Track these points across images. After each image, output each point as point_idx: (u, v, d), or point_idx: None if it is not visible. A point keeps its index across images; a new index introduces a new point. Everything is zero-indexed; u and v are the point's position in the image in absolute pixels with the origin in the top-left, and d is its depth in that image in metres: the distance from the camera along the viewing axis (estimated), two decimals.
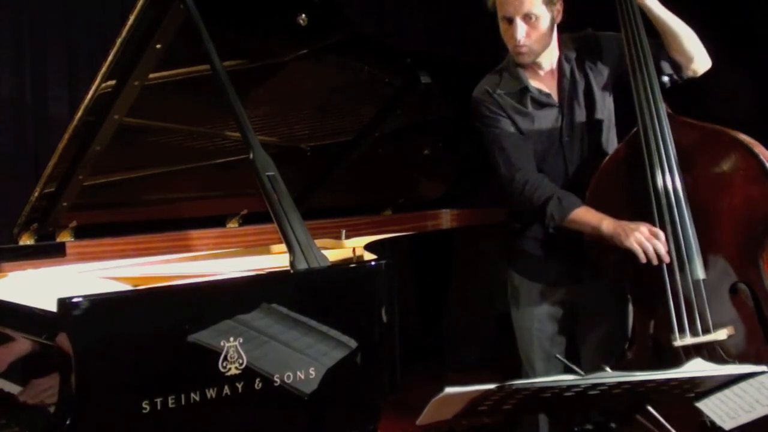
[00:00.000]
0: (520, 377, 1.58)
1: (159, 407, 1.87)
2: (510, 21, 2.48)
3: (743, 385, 1.71)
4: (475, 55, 4.96)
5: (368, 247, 2.75)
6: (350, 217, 3.63)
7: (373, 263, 2.43)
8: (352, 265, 2.66)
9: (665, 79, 2.52)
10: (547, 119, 2.60)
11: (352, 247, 3.05)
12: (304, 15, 2.58)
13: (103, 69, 2.31)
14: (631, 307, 2.71)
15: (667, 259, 2.35)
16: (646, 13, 2.46)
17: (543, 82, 2.62)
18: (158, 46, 2.35)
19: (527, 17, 2.46)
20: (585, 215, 2.47)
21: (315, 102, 3.14)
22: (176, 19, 2.29)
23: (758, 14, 3.79)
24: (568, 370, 1.88)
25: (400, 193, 3.93)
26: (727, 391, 1.73)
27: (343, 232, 3.43)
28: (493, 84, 2.62)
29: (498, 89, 2.60)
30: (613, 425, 1.81)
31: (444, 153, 3.82)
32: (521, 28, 2.47)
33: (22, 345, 2.04)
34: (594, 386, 1.60)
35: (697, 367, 1.70)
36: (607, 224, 2.42)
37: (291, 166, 2.96)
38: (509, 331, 2.85)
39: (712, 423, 1.76)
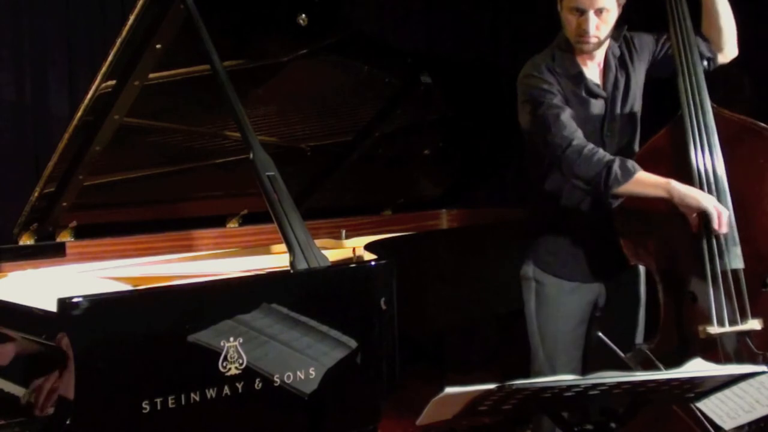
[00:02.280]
0: (519, 377, 1.58)
1: (159, 407, 1.87)
2: (581, 12, 2.50)
3: (743, 385, 1.71)
4: (475, 55, 4.97)
5: (368, 247, 2.75)
6: (350, 217, 3.63)
7: (372, 263, 2.43)
8: (352, 265, 2.66)
9: (704, 64, 2.55)
10: (594, 109, 2.62)
11: (352, 247, 3.06)
12: (304, 15, 2.59)
13: (103, 69, 2.31)
14: (642, 309, 2.71)
15: (726, 228, 2.35)
16: None
17: (591, 73, 2.64)
18: (158, 46, 2.35)
19: (600, 11, 2.48)
20: (649, 176, 2.42)
21: (315, 102, 3.13)
22: (176, 19, 2.29)
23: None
24: (610, 355, 1.87)
25: (400, 193, 3.93)
26: (727, 391, 1.73)
27: (343, 232, 3.43)
28: (549, 63, 2.63)
29: (556, 69, 2.61)
30: (613, 425, 1.81)
31: (444, 153, 3.82)
32: (593, 22, 2.49)
33: (22, 345, 2.04)
34: (594, 386, 1.60)
35: (697, 367, 1.70)
36: (675, 183, 2.38)
37: (291, 166, 2.96)
38: (509, 331, 2.83)
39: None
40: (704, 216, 2.36)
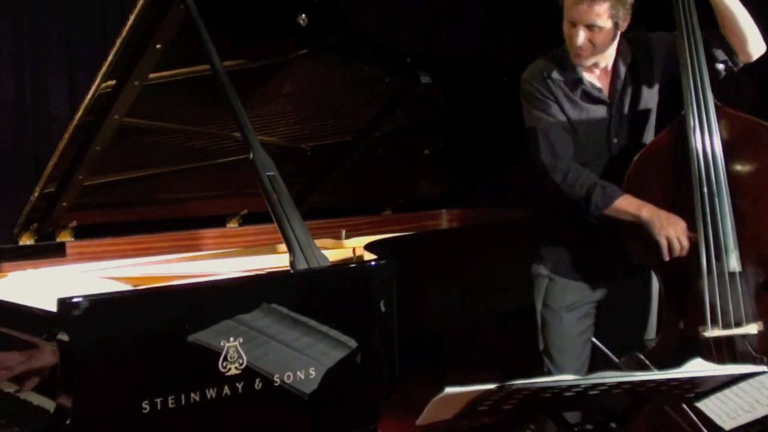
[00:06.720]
0: (519, 377, 1.58)
1: (159, 407, 1.87)
2: (574, 25, 2.51)
3: (743, 385, 1.71)
4: (475, 55, 4.97)
5: (368, 247, 2.75)
6: (350, 217, 3.64)
7: (372, 263, 2.43)
8: (352, 265, 2.66)
9: (720, 66, 2.53)
10: (595, 115, 2.63)
11: (352, 247, 3.06)
12: (304, 15, 2.59)
13: (103, 69, 2.31)
14: (654, 305, 2.72)
15: (684, 253, 2.38)
16: None
17: (596, 79, 2.64)
18: (158, 46, 2.34)
19: (590, 27, 2.49)
20: (627, 203, 2.48)
21: (315, 102, 3.14)
22: (176, 19, 2.29)
23: None
24: (604, 359, 1.88)
25: (400, 193, 3.93)
26: (727, 391, 1.73)
27: (343, 232, 3.43)
28: (548, 68, 2.64)
29: (553, 74, 2.62)
30: (613, 425, 1.81)
31: (444, 153, 3.82)
32: (582, 36, 2.50)
33: (22, 345, 2.04)
34: (594, 386, 1.60)
35: (697, 367, 1.70)
36: (646, 211, 2.44)
37: (291, 166, 2.97)
38: (509, 331, 2.84)
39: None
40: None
